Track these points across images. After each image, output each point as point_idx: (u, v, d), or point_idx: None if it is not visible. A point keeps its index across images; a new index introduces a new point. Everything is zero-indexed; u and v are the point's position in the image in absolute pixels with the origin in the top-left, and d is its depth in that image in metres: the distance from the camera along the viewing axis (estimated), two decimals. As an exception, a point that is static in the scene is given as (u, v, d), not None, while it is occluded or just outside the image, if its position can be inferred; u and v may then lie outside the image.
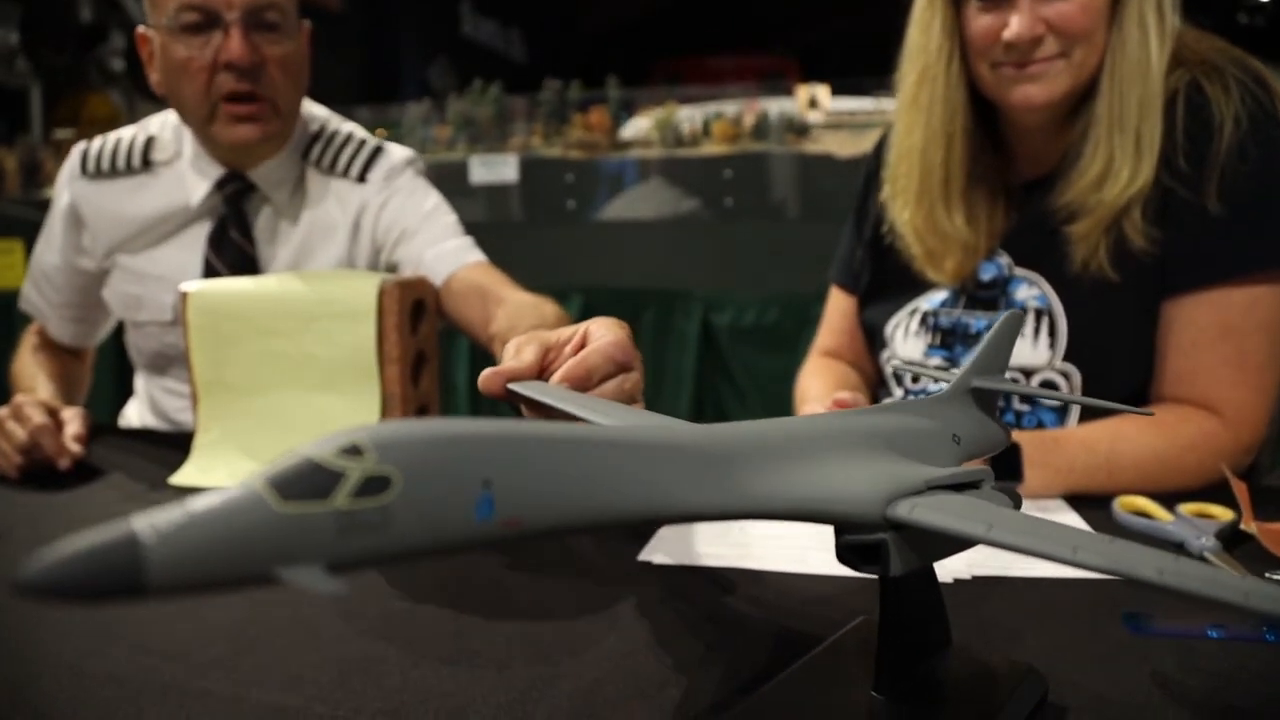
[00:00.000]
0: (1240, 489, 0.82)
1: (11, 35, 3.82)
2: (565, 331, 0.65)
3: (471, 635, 0.62)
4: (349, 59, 5.25)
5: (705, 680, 0.55)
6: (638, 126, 2.72)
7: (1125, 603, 0.66)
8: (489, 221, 2.55)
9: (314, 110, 1.37)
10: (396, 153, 1.36)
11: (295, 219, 1.30)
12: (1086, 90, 1.00)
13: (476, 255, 1.30)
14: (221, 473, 1.00)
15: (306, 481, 0.25)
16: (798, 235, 2.28)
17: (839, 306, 1.32)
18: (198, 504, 0.24)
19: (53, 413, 1.05)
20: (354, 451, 0.25)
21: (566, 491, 0.28)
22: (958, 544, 0.41)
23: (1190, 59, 0.99)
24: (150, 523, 0.24)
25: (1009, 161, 1.13)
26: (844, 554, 0.39)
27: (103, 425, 1.31)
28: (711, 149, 2.60)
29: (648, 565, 0.75)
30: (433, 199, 1.34)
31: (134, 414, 1.48)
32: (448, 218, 1.34)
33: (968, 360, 0.51)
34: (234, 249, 1.27)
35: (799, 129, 2.61)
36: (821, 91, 2.85)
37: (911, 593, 0.47)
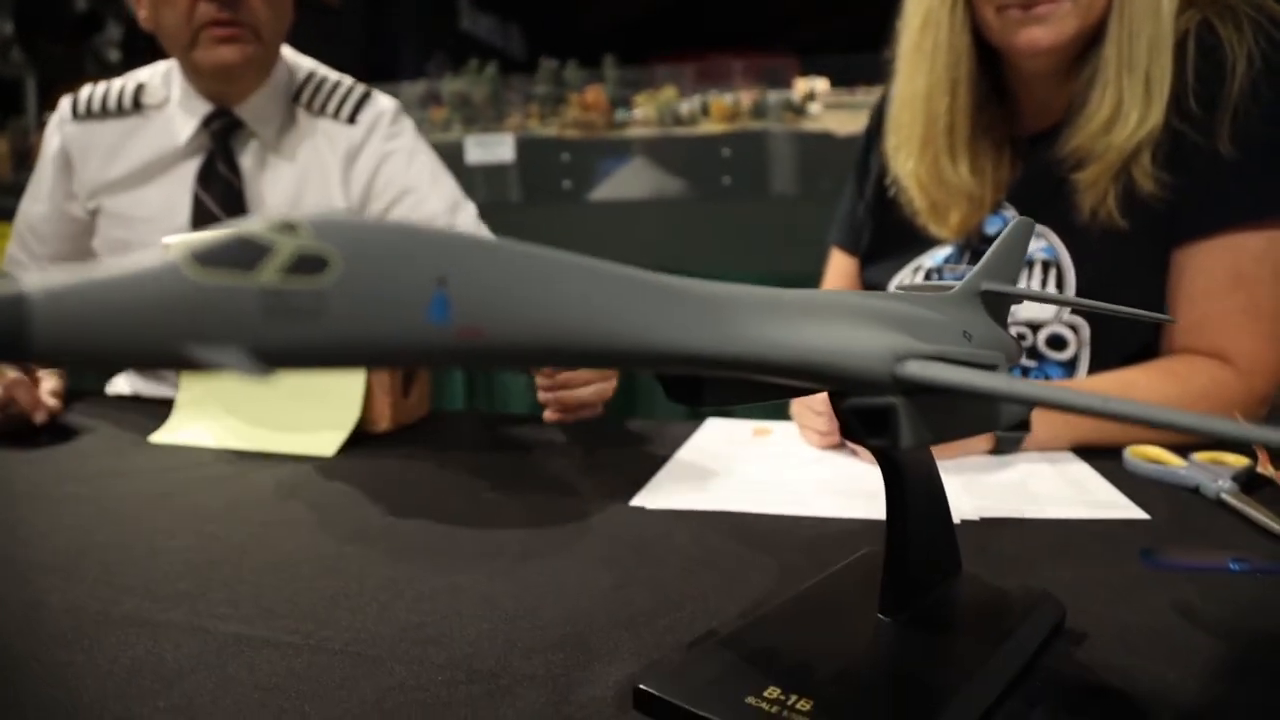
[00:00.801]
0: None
1: (6, 24, 3.79)
2: None
3: (455, 571, 0.59)
4: (346, 55, 5.22)
5: (699, 611, 0.52)
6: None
7: (1141, 542, 0.63)
8: (486, 202, 2.52)
9: (302, 61, 1.39)
10: (384, 99, 1.40)
11: (284, 156, 1.32)
12: (1093, 35, 0.96)
13: (471, 219, 1.37)
14: (204, 430, 0.97)
15: (230, 251, 0.21)
16: (796, 213, 2.24)
17: (839, 268, 1.28)
18: (103, 267, 0.21)
19: (28, 369, 1.02)
20: (289, 228, 0.22)
21: (538, 309, 0.25)
22: (973, 419, 0.38)
23: None
24: (44, 281, 0.20)
25: (1014, 114, 1.09)
26: (849, 424, 0.35)
27: (87, 390, 1.28)
28: (709, 128, 2.57)
29: (641, 510, 0.72)
30: (430, 163, 1.40)
31: (123, 383, 1.45)
32: (448, 183, 1.41)
33: (978, 265, 0.48)
34: (222, 183, 1.28)
35: (797, 109, 2.58)
36: (821, 84, 2.83)
37: (918, 505, 0.44)
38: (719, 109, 2.58)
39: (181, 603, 0.54)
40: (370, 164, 1.35)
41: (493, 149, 2.48)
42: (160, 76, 1.34)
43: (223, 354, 0.21)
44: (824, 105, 2.64)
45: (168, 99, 1.32)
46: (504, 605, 0.53)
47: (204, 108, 1.29)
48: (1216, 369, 0.92)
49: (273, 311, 0.21)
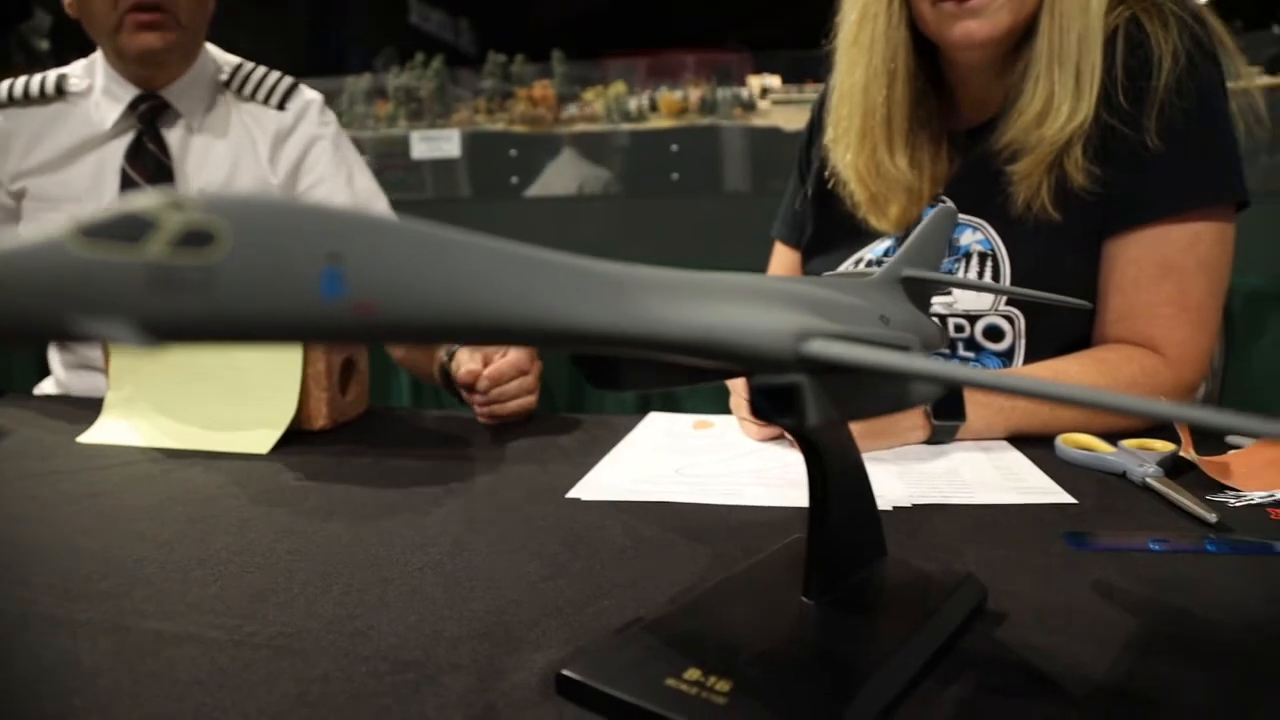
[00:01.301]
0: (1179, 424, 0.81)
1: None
2: None
3: (386, 565, 0.59)
4: (294, 48, 5.15)
5: (628, 599, 0.53)
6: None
7: (1067, 525, 0.65)
8: (436, 197, 2.50)
9: (229, 56, 1.43)
10: (310, 91, 1.46)
11: (213, 136, 1.36)
12: (1027, 30, 0.98)
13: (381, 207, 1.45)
14: (135, 429, 0.95)
15: (116, 225, 0.21)
16: (745, 208, 2.25)
17: (782, 261, 1.30)
18: None
19: None
20: (177, 204, 0.22)
21: (434, 286, 0.25)
22: (880, 399, 0.39)
23: None
24: None
25: (952, 108, 1.11)
26: (757, 403, 0.36)
27: (14, 390, 1.25)
28: (657, 123, 2.57)
29: (577, 501, 0.72)
30: (364, 180, 1.46)
31: (50, 384, 1.43)
32: (365, 175, 1.47)
33: (899, 251, 0.49)
34: (151, 159, 1.31)
35: (746, 104, 2.59)
36: (773, 81, 2.84)
37: (839, 489, 0.45)
38: (668, 104, 2.59)
39: (102, 601, 0.54)
40: (299, 146, 1.40)
41: (439, 144, 2.47)
42: (82, 67, 1.36)
43: (109, 327, 0.21)
44: (772, 101, 2.66)
45: (91, 87, 1.34)
46: (433, 597, 0.53)
47: (129, 93, 1.32)
48: (1146, 358, 0.94)
49: (159, 285, 0.21)
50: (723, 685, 0.38)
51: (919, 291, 0.49)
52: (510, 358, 1.00)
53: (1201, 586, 0.54)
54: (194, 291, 0.21)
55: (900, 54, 1.04)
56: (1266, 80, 2.39)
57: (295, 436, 0.94)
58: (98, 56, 1.34)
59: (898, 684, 0.39)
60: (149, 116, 1.32)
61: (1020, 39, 0.99)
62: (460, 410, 1.09)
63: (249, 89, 1.39)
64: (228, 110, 1.38)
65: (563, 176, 2.53)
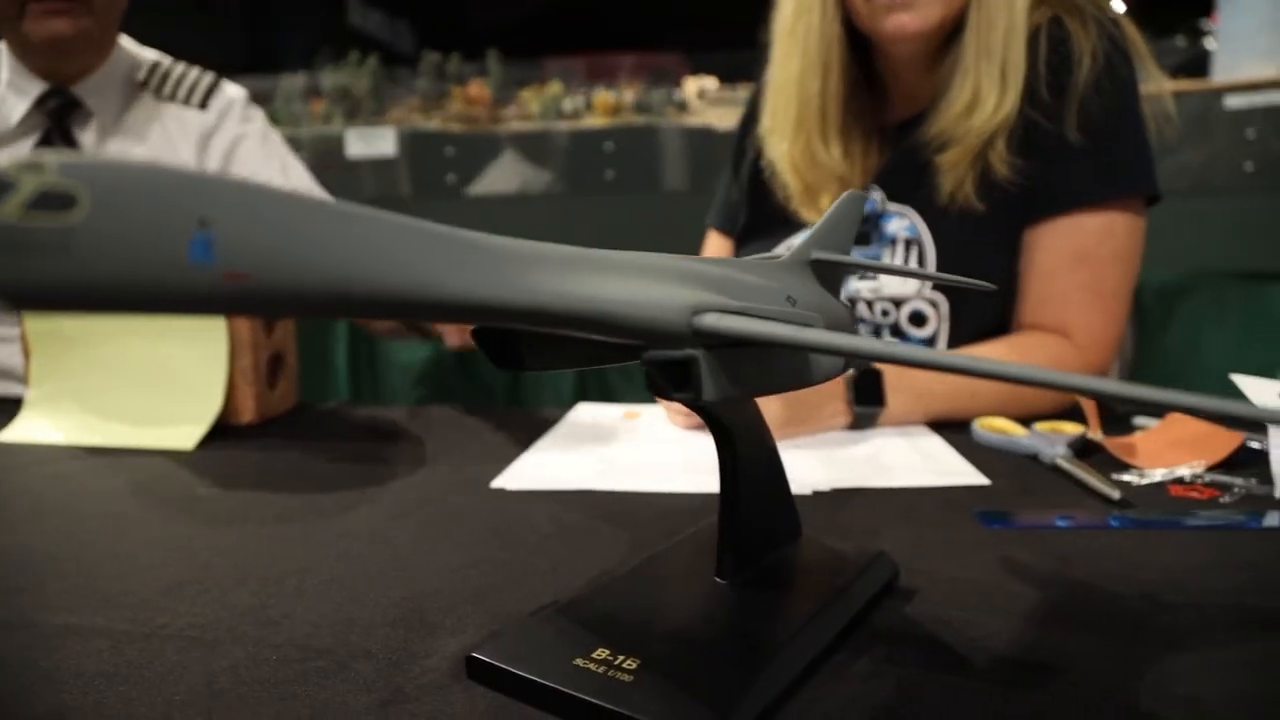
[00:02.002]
0: (1088, 404, 0.83)
1: None
2: None
3: (304, 556, 0.58)
4: (230, 47, 5.04)
5: (546, 584, 0.52)
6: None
7: (980, 505, 0.66)
8: (375, 196, 2.46)
9: (146, 52, 1.35)
10: (232, 88, 1.39)
11: (130, 139, 1.28)
12: (956, 25, 0.99)
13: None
14: (58, 428, 0.92)
15: None
16: (679, 205, 2.25)
17: (715, 248, 1.30)
18: None
19: None
20: (34, 166, 0.20)
21: (313, 255, 0.24)
22: (781, 374, 0.38)
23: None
24: None
25: (885, 102, 1.13)
26: (652, 378, 0.35)
27: (-68, 391, 1.20)
28: (592, 122, 2.56)
29: (501, 491, 0.71)
30: (291, 162, 1.39)
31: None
32: (299, 167, 1.40)
33: (809, 234, 0.49)
34: None
35: (679, 104, 2.59)
36: (710, 82, 2.85)
37: (749, 470, 0.44)
38: (602, 104, 2.58)
39: (10, 598, 0.52)
40: (224, 146, 1.33)
41: (374, 142, 2.42)
42: None
43: None
44: (707, 101, 2.66)
45: None
46: (349, 586, 0.52)
47: (37, 87, 1.23)
48: (1057, 343, 0.96)
49: (13, 247, 0.20)
50: (630, 663, 0.37)
51: (829, 274, 0.49)
52: None
53: (1103, 560, 0.55)
54: (51, 255, 0.20)
55: (835, 47, 1.05)
56: (1176, 85, 2.46)
57: (222, 431, 0.92)
58: (1, 46, 1.25)
59: (805, 657, 0.39)
60: (58, 115, 1.24)
61: (950, 34, 1.00)
62: (389, 405, 1.08)
63: (168, 88, 1.31)
64: (146, 112, 1.30)
65: (505, 176, 2.51)
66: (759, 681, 0.37)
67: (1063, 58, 0.97)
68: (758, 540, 0.47)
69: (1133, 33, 1.00)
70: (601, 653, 0.38)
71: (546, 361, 0.38)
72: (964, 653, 0.43)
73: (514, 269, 0.29)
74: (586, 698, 0.35)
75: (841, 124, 1.09)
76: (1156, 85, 1.01)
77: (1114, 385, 0.29)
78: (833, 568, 0.48)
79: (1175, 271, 2.05)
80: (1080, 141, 0.96)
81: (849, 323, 0.50)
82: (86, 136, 1.25)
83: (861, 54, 1.09)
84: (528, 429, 0.93)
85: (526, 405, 2.10)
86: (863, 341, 0.31)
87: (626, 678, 0.36)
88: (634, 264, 0.34)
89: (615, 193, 2.49)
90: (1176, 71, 2.61)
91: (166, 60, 1.35)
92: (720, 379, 0.34)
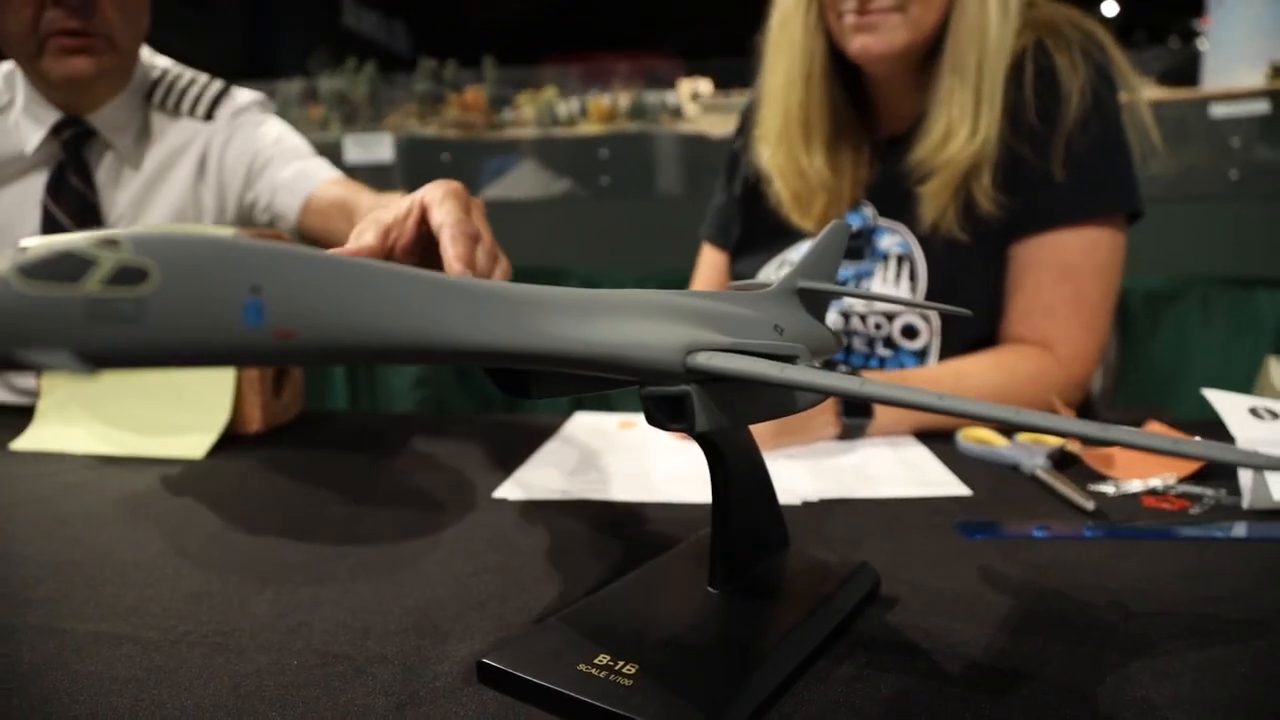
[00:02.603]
0: (1067, 415, 0.86)
1: None
2: (400, 207, 0.63)
3: (317, 566, 0.61)
4: (227, 49, 5.06)
5: (548, 593, 0.55)
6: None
7: (960, 516, 0.69)
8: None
9: (157, 60, 1.32)
10: (244, 94, 1.33)
11: (142, 168, 1.25)
12: (932, 48, 1.02)
13: (332, 172, 1.28)
14: (68, 436, 0.95)
15: (55, 265, 0.23)
16: (673, 213, 2.29)
17: (709, 262, 1.33)
18: None
19: None
20: (110, 243, 0.24)
21: (348, 311, 0.27)
22: (767, 405, 0.42)
23: (1037, 20, 1.03)
24: None
25: (874, 116, 1.16)
26: (651, 412, 0.39)
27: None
28: (588, 129, 2.59)
29: (503, 502, 0.74)
30: (276, 127, 1.32)
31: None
32: (295, 140, 1.32)
33: (796, 264, 0.52)
34: (75, 196, 1.21)
35: (674, 110, 2.63)
36: (704, 85, 2.88)
37: (739, 485, 0.48)
38: (597, 110, 2.62)
39: (40, 605, 0.54)
40: (218, 156, 1.29)
41: (371, 148, 2.46)
42: (2, 78, 1.24)
43: (51, 357, 0.23)
44: (701, 108, 2.70)
45: (11, 103, 1.23)
46: (362, 595, 0.55)
47: (52, 116, 1.21)
48: (1040, 356, 0.99)
49: (96, 318, 0.23)
50: (630, 669, 0.40)
51: (815, 301, 0.52)
52: (452, 232, 0.65)
53: (1076, 569, 0.58)
54: (127, 323, 0.23)
55: (816, 61, 1.08)
56: (1162, 93, 2.50)
57: (230, 440, 0.95)
58: (16, 68, 1.21)
59: (791, 663, 0.43)
60: (73, 145, 1.21)
61: (928, 57, 1.03)
62: (388, 411, 1.10)
63: (172, 101, 1.28)
64: (159, 130, 1.27)
65: (507, 182, 2.54)
66: (748, 686, 0.40)
67: (1049, 86, 0.99)
68: (747, 551, 0.50)
69: (1115, 53, 1.03)
70: (603, 658, 0.41)
71: (551, 391, 0.41)
72: (941, 659, 0.46)
73: (521, 316, 0.33)
74: (590, 701, 0.38)
75: (826, 136, 1.11)
76: (1134, 97, 1.04)
77: (1082, 426, 0.32)
78: (818, 577, 0.51)
79: (1162, 277, 2.09)
80: (1064, 176, 0.99)
81: (834, 346, 0.53)
82: (100, 166, 1.23)
83: (848, 69, 1.12)
84: (526, 437, 0.96)
85: (524, 412, 2.13)
86: (841, 380, 0.34)
87: (626, 682, 0.40)
88: (633, 304, 0.38)
89: (610, 199, 2.52)
90: (1166, 76, 2.65)
91: (175, 69, 1.32)
92: (712, 410, 0.37)
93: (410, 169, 2.49)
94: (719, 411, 0.38)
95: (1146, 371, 2.03)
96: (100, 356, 0.23)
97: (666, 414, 0.38)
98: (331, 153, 2.54)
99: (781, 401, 0.42)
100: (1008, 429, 0.89)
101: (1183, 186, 2.41)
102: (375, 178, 2.58)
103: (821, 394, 0.35)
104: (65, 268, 0.23)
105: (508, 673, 0.42)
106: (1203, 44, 2.73)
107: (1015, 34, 1.00)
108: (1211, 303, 2.07)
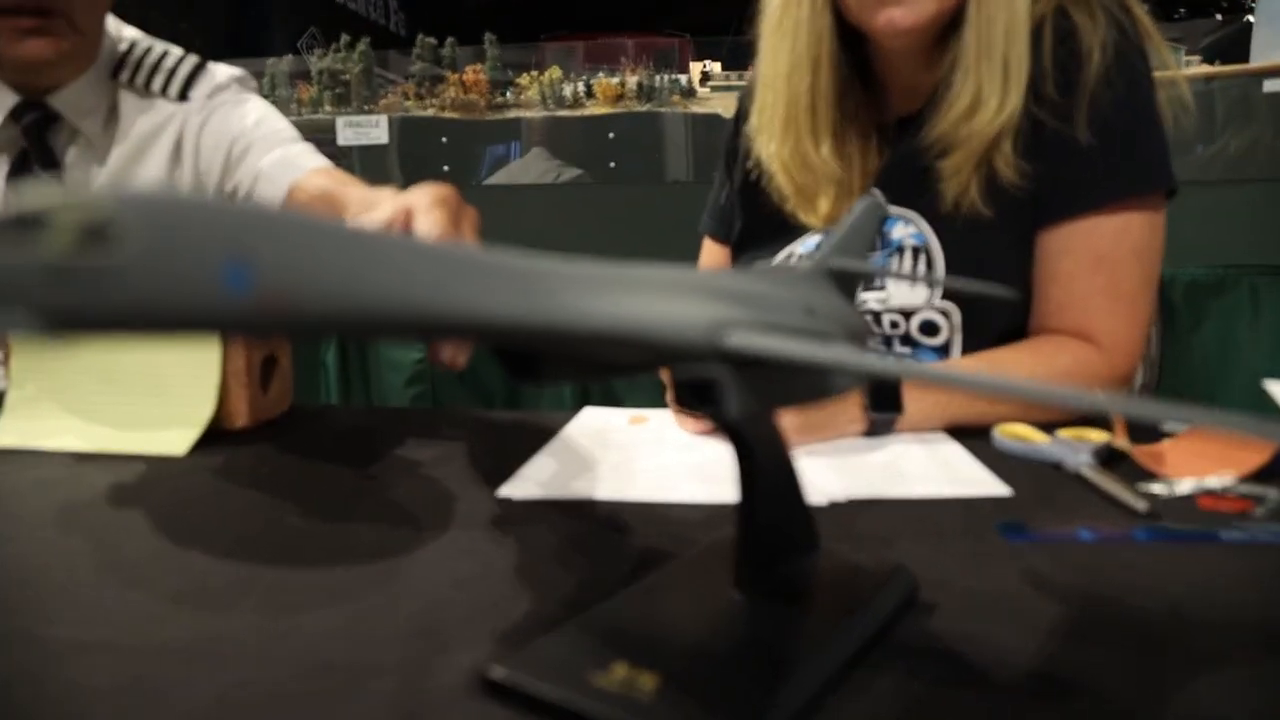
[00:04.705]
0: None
1: None
2: (384, 213, 0.61)
3: (307, 567, 0.59)
4: (214, 28, 5.06)
5: (559, 597, 0.54)
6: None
7: (1001, 516, 0.67)
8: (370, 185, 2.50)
9: (124, 31, 1.27)
10: (222, 70, 1.29)
11: (110, 149, 1.22)
12: (954, 18, 1.00)
13: (317, 160, 1.24)
14: (39, 431, 0.94)
15: (17, 222, 0.22)
16: (685, 195, 2.27)
17: (711, 257, 1.32)
18: None
19: None
20: (79, 200, 0.22)
21: (341, 280, 0.26)
22: (805, 389, 0.40)
23: None
24: None
25: (883, 98, 1.14)
26: (680, 394, 0.37)
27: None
28: (594, 110, 2.58)
29: (508, 501, 0.73)
30: (258, 108, 1.29)
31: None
32: (278, 123, 1.28)
33: (830, 242, 0.50)
34: None
35: (685, 91, 2.62)
36: (714, 67, 2.87)
37: (766, 480, 0.46)
38: (604, 90, 2.60)
39: (10, 611, 0.53)
40: (194, 139, 1.25)
41: (366, 130, 2.45)
42: None
43: (10, 319, 0.21)
44: (711, 88, 2.69)
45: None
46: (356, 600, 0.54)
47: (10, 99, 1.16)
48: (1080, 348, 0.98)
49: (58, 280, 0.22)
50: (649, 680, 0.39)
51: (847, 282, 0.51)
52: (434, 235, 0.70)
53: (1127, 574, 0.56)
54: (94, 286, 0.22)
55: (824, 41, 1.06)
56: (1206, 69, 2.47)
57: (215, 436, 0.94)
58: None
59: (825, 674, 0.41)
60: (36, 130, 1.17)
61: (948, 28, 1.01)
62: (382, 406, 1.09)
63: (142, 78, 1.22)
64: (130, 110, 1.22)
65: (509, 164, 2.53)
66: (780, 698, 0.39)
67: (1070, 51, 0.97)
68: (775, 552, 0.49)
69: (1143, 17, 1.00)
70: (620, 669, 0.40)
71: (563, 374, 0.40)
72: (985, 668, 0.44)
73: (531, 289, 0.31)
74: (604, 717, 0.37)
75: (833, 122, 1.09)
76: (1173, 73, 1.02)
77: (1135, 404, 0.31)
78: (851, 581, 0.50)
79: (1208, 266, 2.07)
80: (1091, 140, 0.96)
81: (865, 332, 0.51)
82: (70, 152, 1.20)
83: (854, 48, 1.09)
84: (531, 433, 0.95)
85: (525, 407, 2.12)
86: (886, 362, 0.33)
87: (645, 696, 0.38)
88: (657, 280, 0.36)
89: (618, 182, 2.51)
90: (1215, 52, 2.62)
91: (144, 42, 1.27)
92: (744, 394, 0.36)
93: (406, 152, 2.47)
94: (753, 395, 0.37)
95: (1191, 366, 2.01)
96: (65, 321, 0.22)
97: (696, 397, 0.37)
98: (325, 135, 2.54)
99: (818, 385, 0.41)
100: (1049, 423, 0.87)
101: (1234, 168, 2.38)
102: (373, 160, 2.58)
103: (863, 377, 0.34)
104: (26, 225, 0.22)
105: (515, 686, 0.40)
106: (1253, 19, 2.70)
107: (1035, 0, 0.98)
108: (1260, 293, 2.05)
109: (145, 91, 1.24)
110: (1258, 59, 2.55)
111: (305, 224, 0.26)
